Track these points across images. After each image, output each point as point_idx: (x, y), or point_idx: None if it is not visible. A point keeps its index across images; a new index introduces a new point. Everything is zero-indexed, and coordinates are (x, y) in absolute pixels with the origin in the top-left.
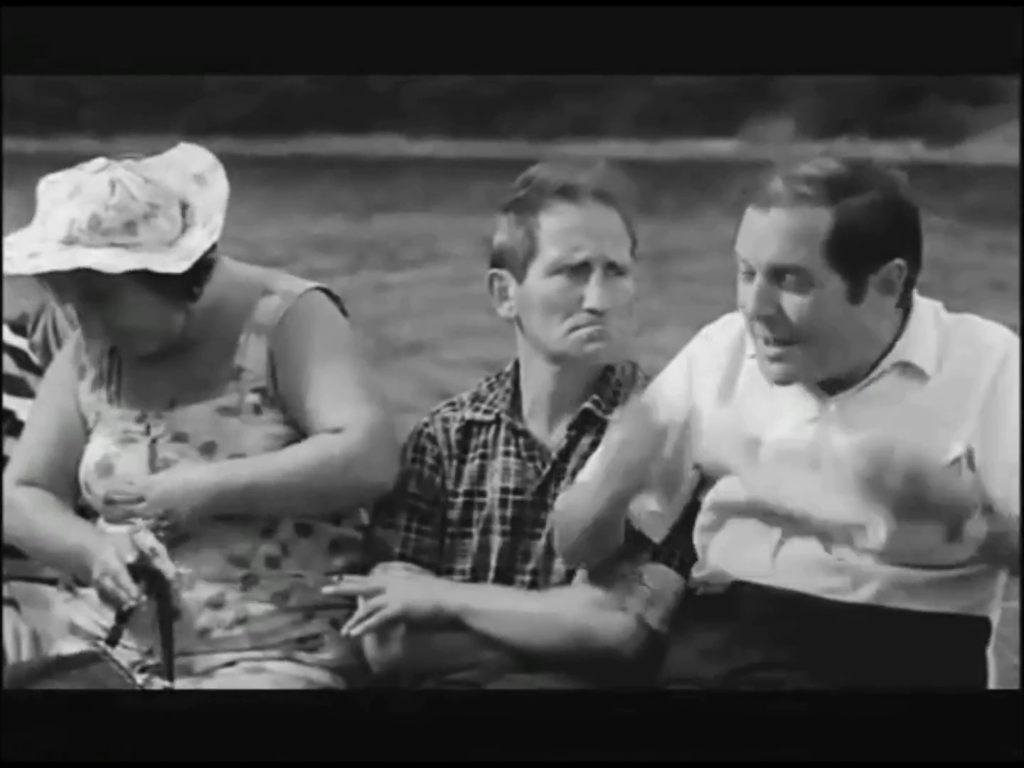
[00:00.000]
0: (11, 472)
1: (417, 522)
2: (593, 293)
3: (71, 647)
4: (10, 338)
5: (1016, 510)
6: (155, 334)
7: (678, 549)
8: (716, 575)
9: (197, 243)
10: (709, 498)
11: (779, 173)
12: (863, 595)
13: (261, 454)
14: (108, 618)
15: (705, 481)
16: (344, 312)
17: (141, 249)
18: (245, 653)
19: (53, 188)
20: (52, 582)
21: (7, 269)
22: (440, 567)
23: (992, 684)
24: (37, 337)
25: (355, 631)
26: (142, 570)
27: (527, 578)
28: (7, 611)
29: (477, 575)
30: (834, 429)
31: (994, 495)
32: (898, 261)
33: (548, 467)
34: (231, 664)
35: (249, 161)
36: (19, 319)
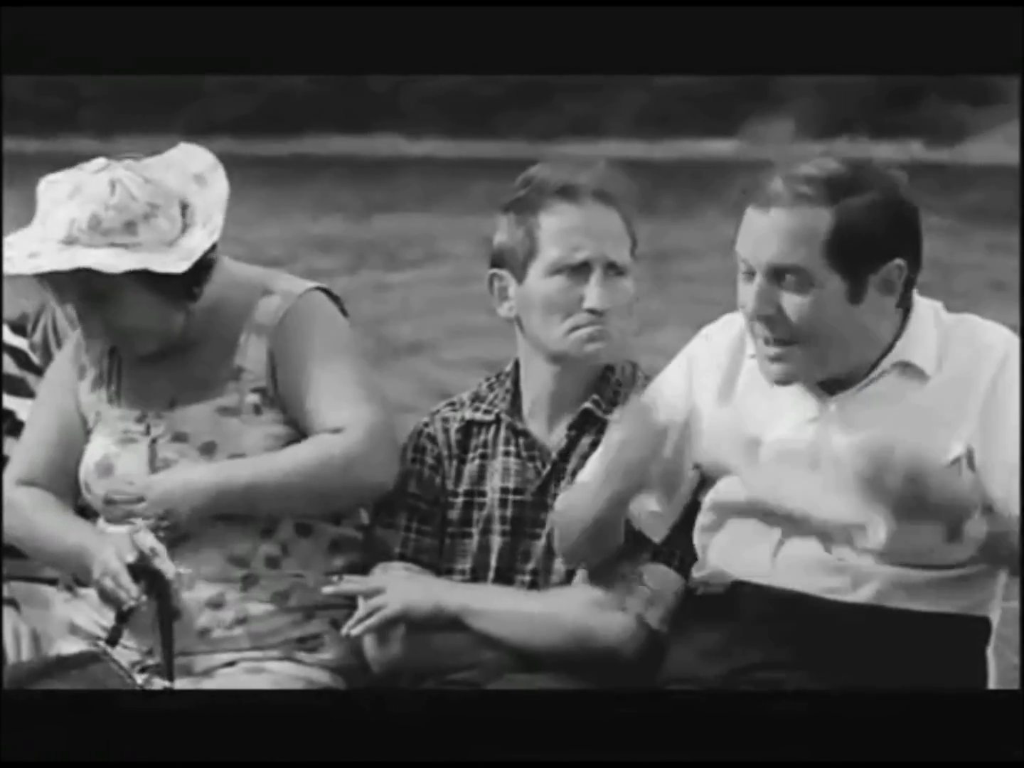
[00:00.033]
0: (11, 472)
1: (417, 522)
2: (593, 293)
3: (71, 647)
4: (10, 338)
5: (1016, 510)
6: (155, 334)
7: (678, 549)
8: (716, 575)
9: (197, 243)
10: (709, 498)
11: (779, 173)
12: (863, 595)
13: (261, 454)
14: (108, 618)
15: (705, 481)
16: (344, 312)
17: (141, 249)
18: (245, 653)
19: (53, 188)
20: (52, 582)
21: (7, 269)
22: (440, 567)
23: (992, 684)
24: (37, 337)
25: (355, 631)
26: (142, 570)
27: (527, 578)
28: (7, 611)
29: (477, 575)
30: (834, 429)
31: (994, 495)
32: (898, 261)
33: (548, 467)
34: (231, 664)
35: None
36: (19, 319)
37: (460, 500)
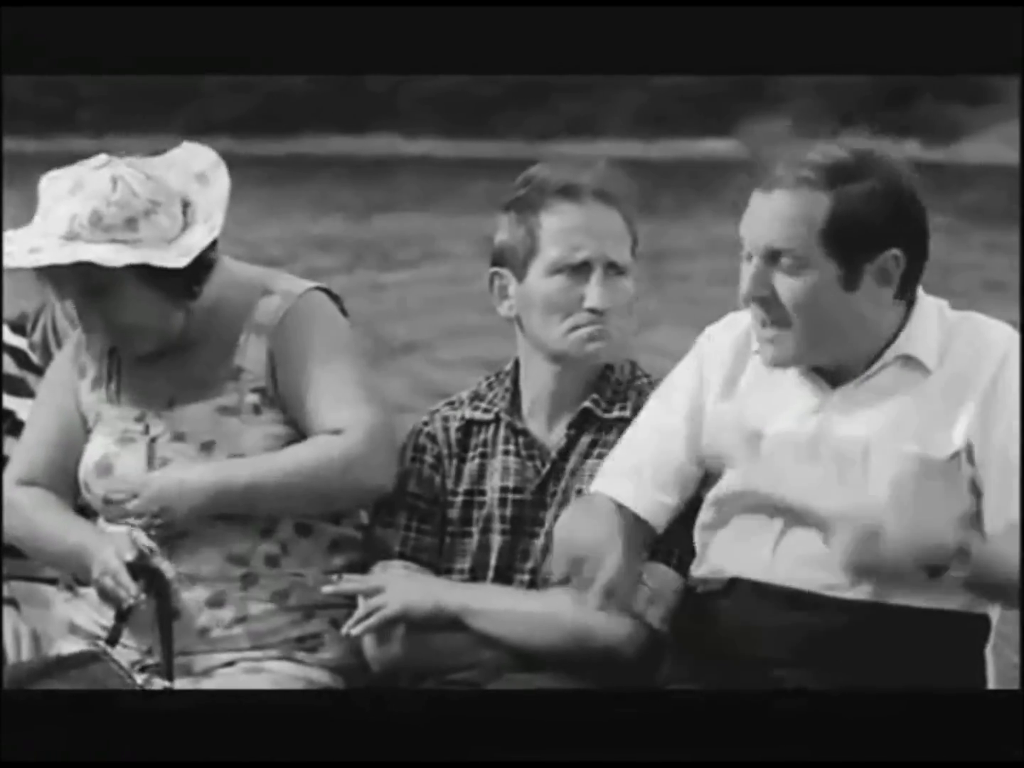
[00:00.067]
0: (11, 472)
1: (417, 521)
2: (594, 293)
3: (71, 647)
4: (10, 338)
5: (1010, 513)
6: (154, 332)
7: (677, 547)
8: (716, 572)
9: (197, 240)
10: (711, 494)
11: (784, 158)
12: (862, 591)
13: (261, 454)
14: (108, 617)
15: (708, 477)
16: (344, 312)
17: (142, 245)
18: (245, 653)
19: (54, 184)
20: (52, 582)
21: (7, 263)
22: (440, 566)
23: (992, 684)
24: (37, 337)
25: (355, 631)
26: (141, 569)
27: (526, 577)
28: (7, 611)
29: (477, 574)
30: (836, 420)
31: (988, 495)
32: (894, 251)
33: (547, 466)
34: (230, 664)
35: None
36: (19, 319)
37: (460, 499)
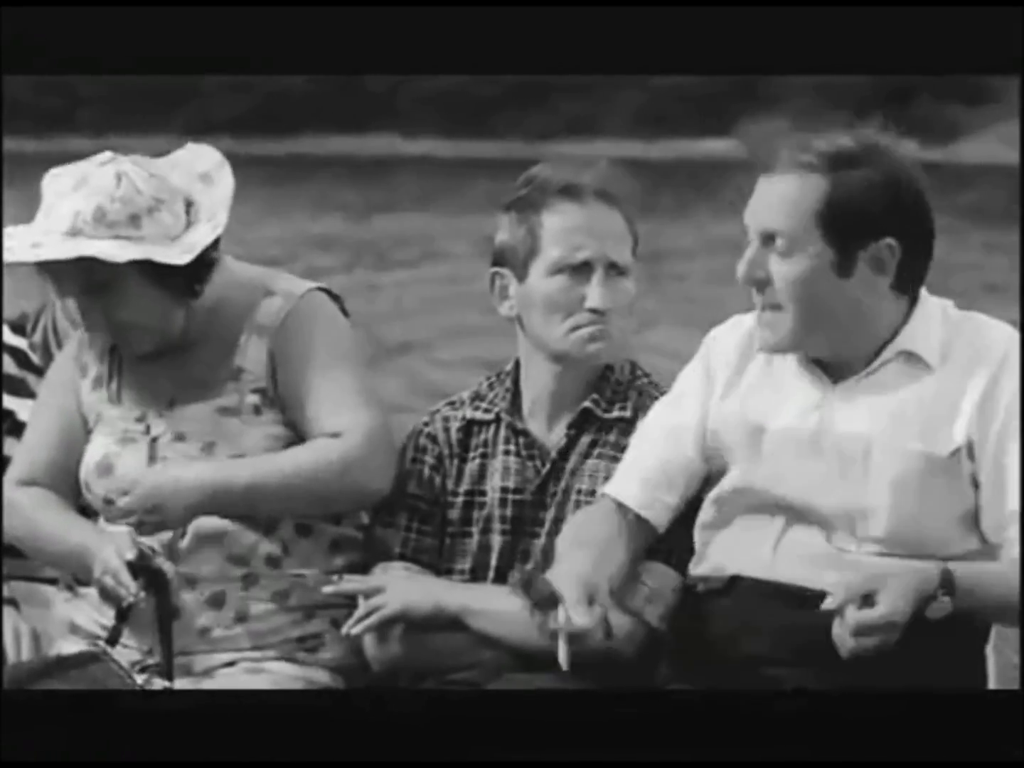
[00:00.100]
0: (12, 473)
1: (417, 522)
2: (595, 293)
3: (71, 647)
4: (10, 338)
5: (1002, 512)
6: (155, 330)
7: (675, 546)
8: (716, 571)
9: (200, 237)
10: (712, 493)
11: (790, 144)
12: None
13: (261, 454)
14: (108, 617)
15: (710, 477)
16: (345, 312)
17: (145, 242)
18: (245, 653)
19: (57, 181)
20: (52, 582)
21: (8, 258)
22: (440, 567)
23: (992, 684)
24: (37, 337)
25: (354, 630)
26: (142, 568)
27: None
28: (7, 611)
29: (477, 575)
30: (838, 416)
31: (983, 492)
32: (889, 240)
33: (548, 466)
34: (231, 664)
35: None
36: (19, 319)
37: (460, 500)
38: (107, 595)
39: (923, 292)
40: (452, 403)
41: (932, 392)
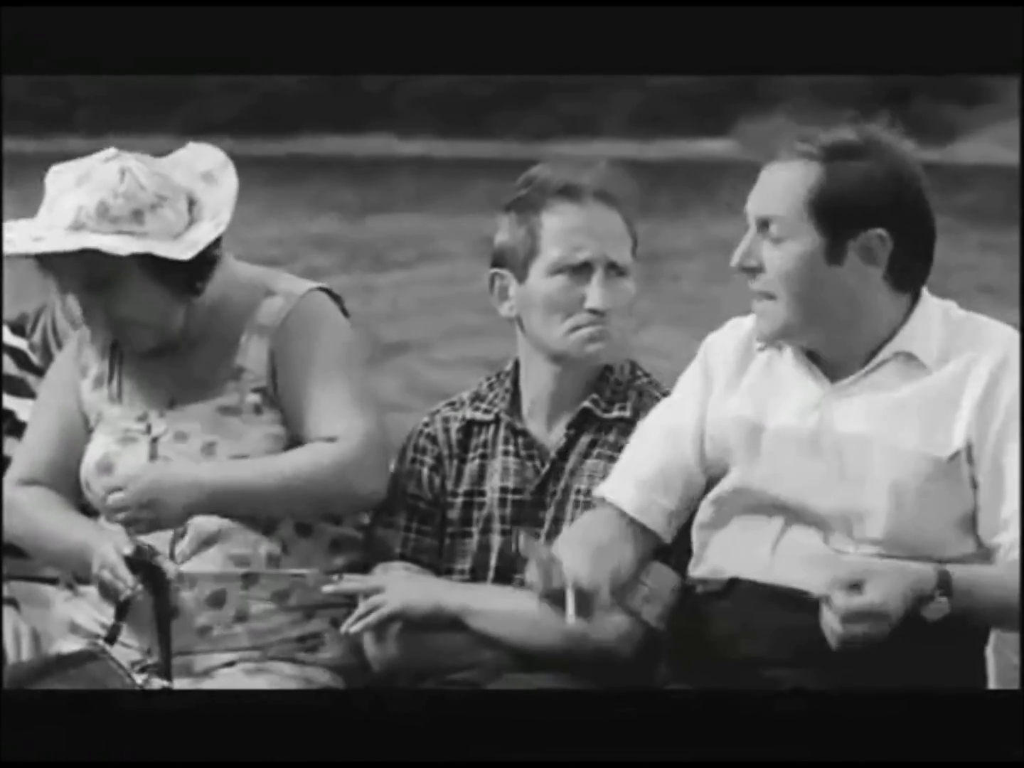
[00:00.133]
0: (13, 473)
1: (417, 522)
2: (595, 293)
3: (71, 646)
4: (9, 338)
5: (1000, 516)
6: (156, 327)
7: (675, 547)
8: (715, 573)
9: (203, 234)
10: (710, 494)
11: (794, 135)
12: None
13: (262, 454)
14: (108, 616)
15: (711, 480)
16: (345, 312)
17: (148, 238)
18: (245, 652)
19: (60, 177)
20: (52, 581)
21: (9, 249)
22: (440, 567)
23: (992, 684)
24: (36, 338)
25: (353, 629)
26: (140, 564)
27: (526, 578)
28: (7, 611)
29: (477, 575)
30: (836, 416)
31: (981, 495)
32: (879, 231)
33: (547, 466)
34: (231, 664)
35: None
36: (18, 319)
37: (460, 500)
38: (105, 589)
39: (925, 293)
40: (452, 404)
41: (931, 393)
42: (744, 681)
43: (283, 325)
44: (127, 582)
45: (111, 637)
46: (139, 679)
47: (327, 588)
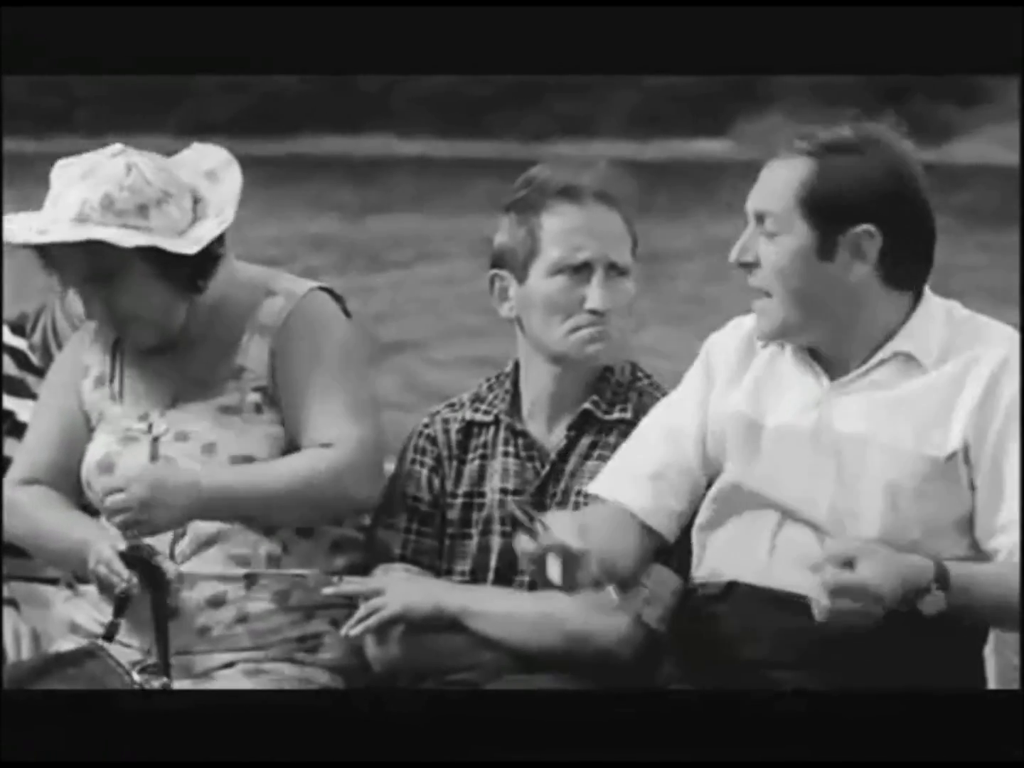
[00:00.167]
0: (13, 473)
1: (417, 523)
2: (595, 294)
3: (71, 646)
4: (9, 338)
5: (998, 518)
6: (156, 324)
7: (676, 548)
8: (713, 575)
9: (208, 230)
10: (710, 493)
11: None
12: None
13: (263, 453)
14: (108, 615)
15: (711, 480)
16: (347, 312)
17: (152, 233)
18: (245, 653)
19: (66, 171)
20: (52, 582)
21: (8, 238)
22: (440, 568)
23: (992, 684)
24: (36, 338)
25: (354, 632)
26: (136, 560)
27: (526, 579)
28: (7, 611)
29: (477, 576)
30: (836, 415)
31: (980, 498)
32: (868, 227)
33: (547, 467)
34: (230, 665)
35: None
36: (18, 319)
37: (460, 501)
38: (101, 584)
39: (927, 292)
40: (452, 405)
41: (929, 393)
42: (744, 683)
43: (284, 325)
44: (122, 575)
45: (109, 635)
46: (138, 677)
47: (327, 590)
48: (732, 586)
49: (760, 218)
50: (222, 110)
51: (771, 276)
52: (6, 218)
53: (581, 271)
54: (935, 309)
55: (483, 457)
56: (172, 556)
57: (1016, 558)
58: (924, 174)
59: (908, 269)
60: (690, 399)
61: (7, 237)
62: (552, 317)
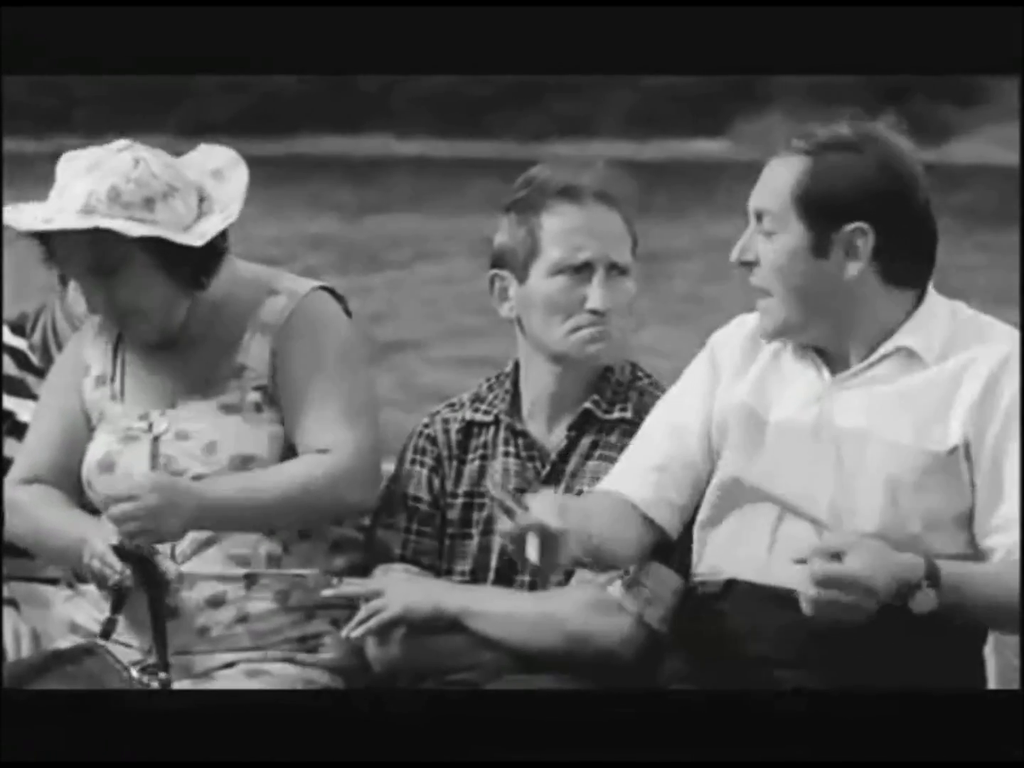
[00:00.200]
0: (14, 473)
1: (417, 523)
2: (596, 294)
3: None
4: (9, 339)
5: (996, 517)
6: (158, 318)
7: (677, 547)
8: (713, 572)
9: (213, 224)
10: (708, 491)
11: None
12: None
13: (263, 452)
14: (107, 612)
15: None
16: (348, 312)
17: (158, 226)
18: (245, 653)
19: (72, 163)
20: (52, 582)
21: (15, 225)
22: (440, 568)
23: (992, 684)
24: (36, 338)
25: (355, 633)
26: (129, 553)
27: (527, 579)
28: (7, 611)
29: (477, 576)
30: (837, 410)
31: (979, 496)
32: (861, 224)
33: (547, 467)
34: (230, 665)
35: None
36: (18, 319)
37: (460, 501)
38: (96, 578)
39: (931, 291)
40: (452, 405)
41: (930, 388)
42: (745, 682)
43: (286, 324)
44: (115, 568)
45: (106, 632)
46: (136, 674)
47: (327, 592)
48: (731, 584)
49: (759, 217)
50: (222, 110)
51: (770, 275)
52: (12, 207)
53: (582, 271)
54: (938, 307)
55: (483, 457)
56: (173, 556)
57: (1014, 557)
58: (923, 173)
59: (907, 267)
60: (694, 394)
61: (13, 224)
62: (552, 317)
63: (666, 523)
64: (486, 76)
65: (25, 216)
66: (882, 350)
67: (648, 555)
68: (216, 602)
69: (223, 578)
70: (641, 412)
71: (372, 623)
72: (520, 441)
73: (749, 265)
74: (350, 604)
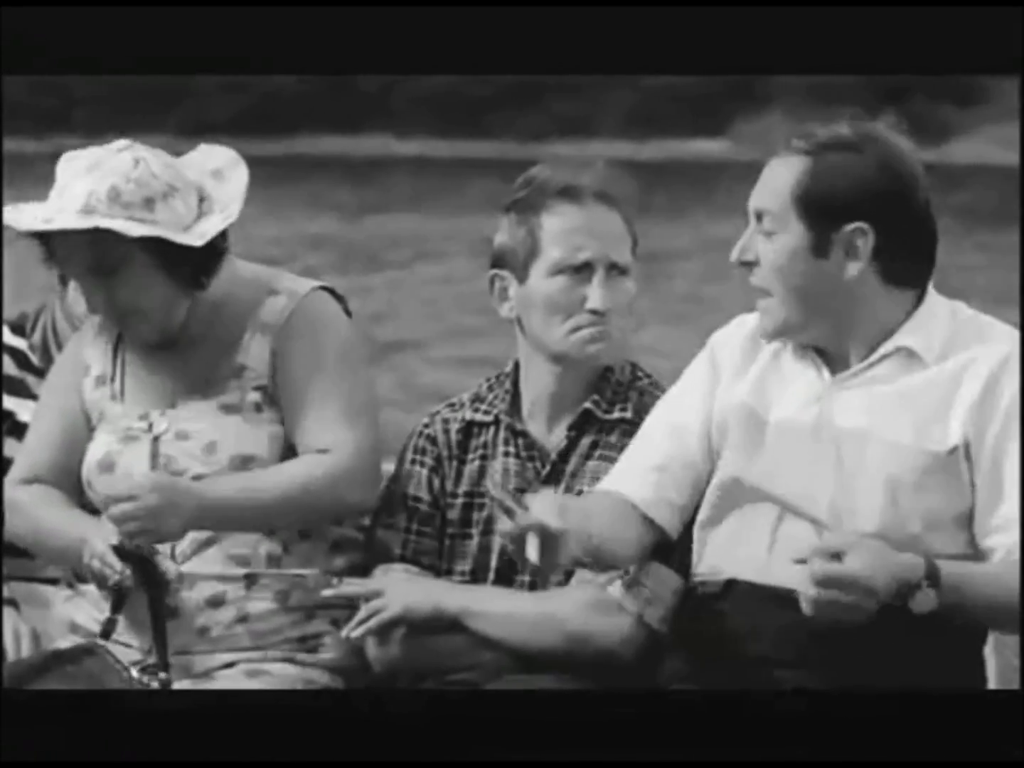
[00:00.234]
0: (14, 473)
1: (417, 523)
2: (596, 294)
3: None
4: (9, 339)
5: (995, 517)
6: (158, 318)
7: (677, 547)
8: (713, 572)
9: (213, 224)
10: (708, 491)
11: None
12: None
13: (263, 452)
14: (107, 612)
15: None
16: (348, 311)
17: (158, 226)
18: (245, 653)
19: (72, 163)
20: (52, 582)
21: (15, 225)
22: (440, 568)
23: (992, 684)
24: (36, 338)
25: (355, 634)
26: (129, 553)
27: (527, 579)
28: (7, 611)
29: (477, 576)
30: (837, 409)
31: (979, 496)
32: (861, 224)
33: (548, 467)
34: (230, 665)
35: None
36: (18, 319)
37: (460, 501)
38: (96, 578)
39: (931, 291)
40: (451, 405)
41: (930, 388)
42: (745, 682)
43: (286, 324)
44: (115, 568)
45: (106, 632)
46: (136, 674)
47: (327, 592)
48: (731, 584)
49: (759, 217)
50: (222, 110)
51: (770, 275)
52: (10, 207)
53: (582, 271)
54: (939, 307)
55: (483, 457)
56: (173, 556)
57: (1014, 557)
58: (923, 173)
59: (907, 267)
60: (694, 394)
61: (13, 224)
62: (553, 317)
63: (666, 523)
64: (486, 76)
65: (25, 216)
66: (882, 350)
67: (648, 555)
68: (216, 602)
69: (223, 578)
70: (641, 412)
71: (372, 623)
72: (520, 441)
73: (749, 265)
74: (350, 604)
